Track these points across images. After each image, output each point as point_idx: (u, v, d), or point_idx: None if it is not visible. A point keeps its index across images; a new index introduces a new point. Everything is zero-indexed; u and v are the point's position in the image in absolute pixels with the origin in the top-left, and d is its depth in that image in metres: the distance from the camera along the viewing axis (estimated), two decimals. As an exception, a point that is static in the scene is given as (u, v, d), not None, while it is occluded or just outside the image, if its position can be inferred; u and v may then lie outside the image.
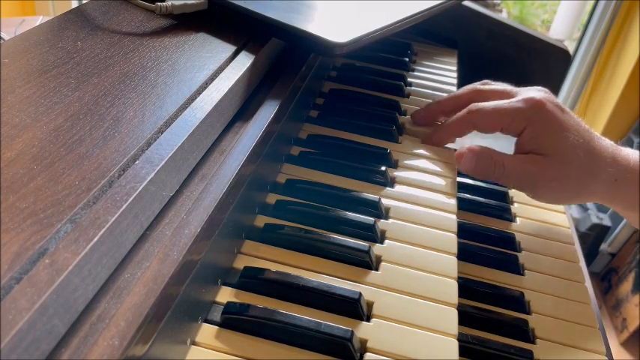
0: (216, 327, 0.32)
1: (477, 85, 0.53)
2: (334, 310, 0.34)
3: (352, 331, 0.32)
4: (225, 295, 0.34)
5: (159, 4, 0.45)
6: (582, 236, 1.77)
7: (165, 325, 0.26)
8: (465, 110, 0.50)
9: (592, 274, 1.86)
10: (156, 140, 0.32)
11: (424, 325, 0.34)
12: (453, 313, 0.35)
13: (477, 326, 0.41)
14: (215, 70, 0.41)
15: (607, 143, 0.48)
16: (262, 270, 0.35)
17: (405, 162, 0.49)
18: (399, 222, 0.42)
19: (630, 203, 0.48)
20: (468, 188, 0.54)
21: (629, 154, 0.48)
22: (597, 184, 0.47)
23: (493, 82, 0.53)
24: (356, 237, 0.39)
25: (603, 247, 1.82)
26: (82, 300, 0.24)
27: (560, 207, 0.55)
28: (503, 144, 0.50)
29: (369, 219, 0.41)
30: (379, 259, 0.39)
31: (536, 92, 0.49)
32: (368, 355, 0.32)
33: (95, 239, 0.25)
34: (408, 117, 0.56)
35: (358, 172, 0.46)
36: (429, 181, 0.47)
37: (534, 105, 0.47)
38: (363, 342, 0.33)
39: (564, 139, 0.46)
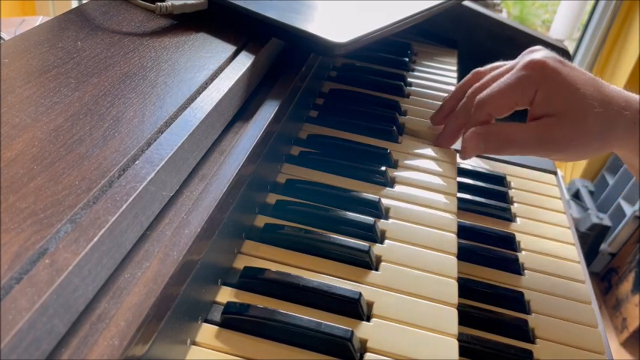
0: (216, 327, 0.32)
1: (477, 69, 0.52)
2: (334, 310, 0.34)
3: (352, 331, 0.32)
4: (225, 295, 0.34)
5: (159, 4, 0.45)
6: (582, 236, 1.77)
7: (165, 325, 0.26)
8: (474, 108, 0.48)
9: (592, 274, 1.86)
10: (156, 140, 0.32)
11: (424, 325, 0.34)
12: (453, 313, 0.35)
13: (477, 326, 0.41)
14: (215, 70, 0.41)
15: (615, 87, 0.47)
16: (262, 270, 0.35)
17: (405, 162, 0.49)
18: (399, 222, 0.42)
19: None
20: (468, 188, 0.54)
21: (637, 97, 0.46)
22: (618, 131, 0.45)
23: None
24: (356, 237, 0.39)
25: (603, 247, 1.82)
26: (82, 300, 0.24)
27: (561, 207, 0.55)
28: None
29: (369, 219, 0.40)
30: (379, 259, 0.39)
31: (534, 53, 0.47)
32: (368, 355, 0.32)
33: (95, 239, 0.25)
34: (408, 117, 0.56)
35: (358, 172, 0.46)
36: (429, 181, 0.47)
37: (537, 66, 0.45)
38: (363, 342, 0.33)
39: (574, 93, 0.45)
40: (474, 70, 0.53)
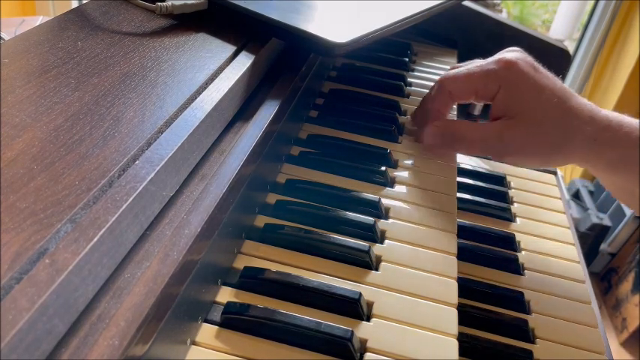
0: (216, 327, 0.32)
1: (454, 65, 0.53)
2: (334, 310, 0.34)
3: (352, 331, 0.32)
4: (225, 295, 0.34)
5: (159, 4, 0.45)
6: (582, 236, 1.77)
7: (165, 325, 0.26)
8: (437, 83, 0.49)
9: (592, 274, 1.86)
10: (156, 140, 0.32)
11: (424, 325, 0.34)
12: (453, 313, 0.35)
13: (477, 326, 0.41)
14: (215, 70, 0.41)
15: (585, 103, 0.46)
16: (262, 270, 0.35)
17: (405, 162, 0.49)
18: (399, 222, 0.42)
19: (609, 164, 0.46)
20: (468, 188, 0.54)
21: (609, 114, 0.46)
22: (574, 144, 0.45)
23: None
24: (356, 237, 0.39)
25: (603, 247, 1.82)
26: (82, 300, 0.24)
27: (561, 207, 0.55)
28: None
29: (369, 219, 0.40)
30: (379, 259, 0.39)
31: (509, 52, 0.47)
32: (368, 355, 0.32)
33: (95, 239, 0.25)
34: (409, 117, 0.56)
35: (358, 172, 0.46)
36: (429, 181, 0.47)
37: (506, 65, 0.46)
38: (363, 342, 0.33)
39: (536, 98, 0.45)
40: (451, 66, 0.53)
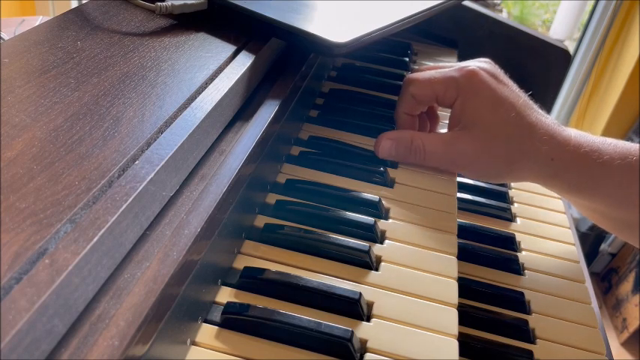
0: (216, 327, 0.32)
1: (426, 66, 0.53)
2: (334, 310, 0.34)
3: (352, 331, 0.32)
4: (225, 295, 0.34)
5: (159, 4, 0.45)
6: (582, 236, 1.77)
7: (165, 325, 0.26)
8: (404, 83, 0.49)
9: (592, 274, 1.86)
10: (156, 140, 0.32)
11: (424, 325, 0.34)
12: (453, 313, 0.35)
13: (477, 326, 0.41)
14: (215, 70, 0.41)
15: (547, 120, 0.45)
16: (262, 270, 0.35)
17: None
18: (399, 222, 0.42)
19: (570, 186, 0.46)
20: (468, 188, 0.54)
21: (571, 133, 0.45)
22: (529, 161, 0.44)
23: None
24: (356, 237, 0.39)
25: (603, 247, 1.82)
26: (82, 300, 0.24)
27: (561, 207, 0.55)
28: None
29: (369, 219, 0.40)
30: (379, 259, 0.39)
31: (474, 62, 0.47)
32: (368, 355, 0.32)
33: (95, 239, 0.25)
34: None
35: (358, 173, 0.46)
36: (428, 181, 0.47)
37: (466, 74, 0.45)
38: (363, 342, 0.33)
39: (493, 111, 0.44)
40: (424, 67, 0.53)
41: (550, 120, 0.46)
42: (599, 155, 0.44)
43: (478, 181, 0.51)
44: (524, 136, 0.44)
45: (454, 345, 0.33)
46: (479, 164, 0.45)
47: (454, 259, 0.40)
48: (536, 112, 0.46)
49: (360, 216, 0.41)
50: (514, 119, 0.44)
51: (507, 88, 0.46)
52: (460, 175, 0.51)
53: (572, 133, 0.46)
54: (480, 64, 0.47)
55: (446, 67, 0.50)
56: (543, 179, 0.46)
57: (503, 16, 1.21)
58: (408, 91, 0.48)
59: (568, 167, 0.44)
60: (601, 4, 1.75)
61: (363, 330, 0.33)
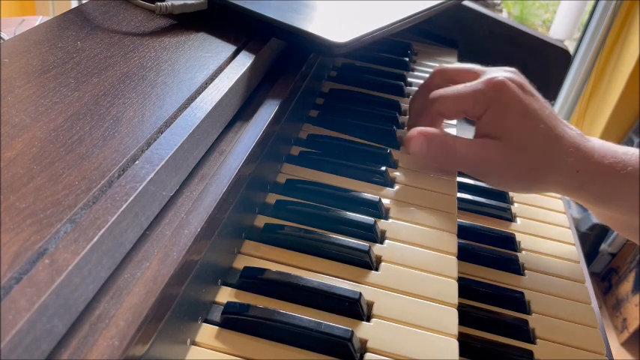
0: (216, 327, 0.32)
1: (443, 65, 0.52)
2: (334, 310, 0.34)
3: (352, 331, 0.32)
4: (225, 295, 0.34)
5: (159, 4, 0.45)
6: (582, 236, 1.77)
7: (165, 325, 0.26)
8: (428, 100, 0.48)
9: (592, 274, 1.86)
10: (156, 140, 0.32)
11: (424, 325, 0.34)
12: (453, 313, 0.35)
13: (477, 326, 0.41)
14: (215, 70, 0.41)
15: (572, 132, 0.46)
16: (262, 270, 0.35)
17: (405, 162, 0.49)
18: (399, 222, 0.42)
19: (595, 197, 0.46)
20: (468, 188, 0.54)
21: (595, 144, 0.45)
22: (555, 174, 0.45)
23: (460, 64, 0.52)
24: (356, 237, 0.39)
25: (603, 247, 1.82)
26: (82, 300, 0.24)
27: (561, 207, 0.55)
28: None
29: (369, 219, 0.40)
30: (379, 259, 0.39)
31: (501, 72, 0.47)
32: (368, 355, 0.32)
33: (95, 239, 0.25)
34: (409, 117, 0.56)
35: (358, 172, 0.46)
36: (429, 181, 0.47)
37: (494, 86, 0.45)
38: (363, 342, 0.33)
39: (522, 123, 0.44)
40: (438, 69, 0.52)
41: (574, 131, 0.46)
42: (623, 166, 0.44)
43: (506, 189, 0.51)
44: (551, 148, 0.44)
45: (454, 345, 0.33)
46: (507, 175, 0.45)
47: (454, 259, 0.40)
48: (561, 122, 0.46)
49: (360, 216, 0.41)
50: (542, 131, 0.44)
51: (534, 99, 0.46)
52: (460, 175, 0.51)
53: (596, 143, 0.46)
54: (506, 74, 0.46)
55: (467, 73, 0.49)
56: (568, 191, 0.47)
57: (503, 16, 1.21)
58: (435, 109, 0.47)
59: (593, 179, 0.45)
60: (601, 4, 1.75)
61: (363, 330, 0.33)
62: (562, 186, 0.46)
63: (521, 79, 0.47)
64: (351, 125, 0.52)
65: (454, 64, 0.51)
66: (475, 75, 0.49)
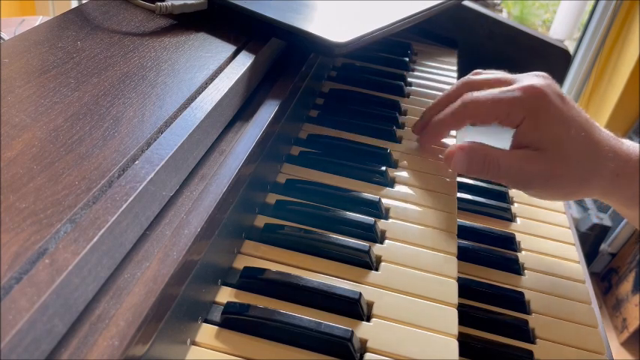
0: (216, 327, 0.32)
1: (469, 77, 0.50)
2: (334, 310, 0.34)
3: (352, 331, 0.32)
4: (225, 295, 0.34)
5: (159, 4, 0.45)
6: (582, 236, 1.77)
7: (165, 325, 0.26)
8: (458, 101, 0.46)
9: (592, 274, 1.86)
10: (156, 140, 0.32)
11: (424, 325, 0.34)
12: (453, 313, 0.35)
13: (477, 326, 0.41)
14: (215, 70, 0.41)
15: (608, 136, 0.45)
16: (262, 270, 0.35)
17: (405, 162, 0.49)
18: (399, 222, 0.42)
19: (630, 199, 0.46)
20: (468, 188, 0.54)
21: (630, 147, 0.45)
22: (598, 179, 0.44)
23: (485, 71, 0.50)
24: (356, 237, 0.39)
25: (603, 247, 1.82)
26: (82, 300, 0.24)
27: (561, 207, 0.55)
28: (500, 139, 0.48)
29: (369, 219, 0.40)
30: (379, 259, 0.39)
31: (536, 79, 0.45)
32: (368, 355, 0.32)
33: (95, 239, 0.25)
34: (409, 117, 0.56)
35: (358, 172, 0.46)
36: (429, 181, 0.47)
37: (534, 94, 0.44)
38: (363, 342, 0.33)
39: (564, 132, 0.43)
40: (464, 81, 0.50)
41: (609, 134, 0.46)
42: None
43: (547, 199, 0.49)
44: (593, 156, 0.44)
45: (454, 345, 0.33)
46: (552, 186, 0.45)
47: (454, 259, 0.40)
48: (597, 126, 0.45)
49: (360, 216, 0.41)
50: (584, 138, 0.44)
51: (571, 106, 0.45)
52: (460, 175, 0.51)
53: (631, 146, 0.46)
54: (542, 81, 0.45)
55: (496, 82, 0.47)
56: (607, 194, 0.46)
57: (503, 16, 1.21)
58: (466, 112, 0.46)
59: (631, 182, 0.44)
60: (601, 4, 1.75)
61: (363, 330, 0.33)
62: (602, 191, 0.46)
63: (556, 85, 0.46)
64: (351, 125, 0.52)
65: (481, 75, 0.49)
66: (506, 83, 0.47)
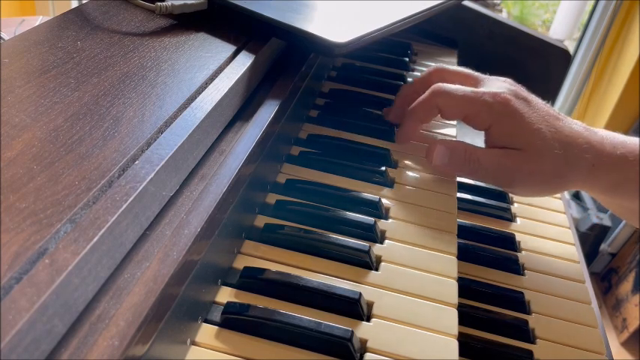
0: (216, 327, 0.32)
1: (442, 65, 0.52)
2: (334, 310, 0.34)
3: (352, 331, 0.32)
4: (225, 295, 0.34)
5: (159, 4, 0.45)
6: (582, 236, 1.77)
7: (165, 325, 0.26)
8: (429, 91, 0.47)
9: (592, 274, 1.86)
10: (156, 140, 0.32)
11: (424, 325, 0.34)
12: (453, 313, 0.35)
13: (477, 326, 0.41)
14: (215, 70, 0.41)
15: (580, 127, 0.47)
16: (262, 270, 0.35)
17: (405, 162, 0.49)
18: (399, 222, 0.42)
19: (608, 187, 0.47)
20: (468, 188, 0.54)
21: (603, 136, 0.47)
22: (576, 172, 0.46)
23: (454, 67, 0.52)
24: (356, 237, 0.39)
25: (603, 247, 1.82)
26: (82, 300, 0.24)
27: (561, 207, 0.55)
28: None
29: (369, 219, 0.40)
30: (379, 259, 0.39)
31: (502, 86, 0.47)
32: (368, 355, 0.32)
33: (95, 239, 0.25)
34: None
35: (358, 172, 0.46)
36: (429, 181, 0.47)
37: (500, 102, 0.45)
38: (363, 342, 0.33)
39: (536, 132, 0.45)
40: (437, 67, 0.52)
41: (582, 125, 0.47)
42: (634, 155, 0.45)
43: (529, 196, 0.51)
44: (568, 150, 0.45)
45: (454, 345, 0.33)
46: (532, 182, 0.46)
47: (454, 259, 0.40)
48: (565, 120, 0.47)
49: (360, 216, 0.41)
50: (555, 136, 0.45)
51: (537, 107, 0.47)
52: (460, 176, 0.51)
53: (604, 135, 0.47)
54: (508, 88, 0.47)
55: (465, 77, 0.49)
56: (586, 185, 0.47)
57: (503, 16, 1.21)
58: (436, 102, 0.47)
59: (608, 171, 0.46)
60: (601, 4, 1.75)
61: (363, 330, 0.33)
62: (581, 183, 0.47)
63: (520, 90, 0.48)
64: (351, 125, 0.52)
65: (453, 67, 0.52)
66: (474, 81, 0.49)
